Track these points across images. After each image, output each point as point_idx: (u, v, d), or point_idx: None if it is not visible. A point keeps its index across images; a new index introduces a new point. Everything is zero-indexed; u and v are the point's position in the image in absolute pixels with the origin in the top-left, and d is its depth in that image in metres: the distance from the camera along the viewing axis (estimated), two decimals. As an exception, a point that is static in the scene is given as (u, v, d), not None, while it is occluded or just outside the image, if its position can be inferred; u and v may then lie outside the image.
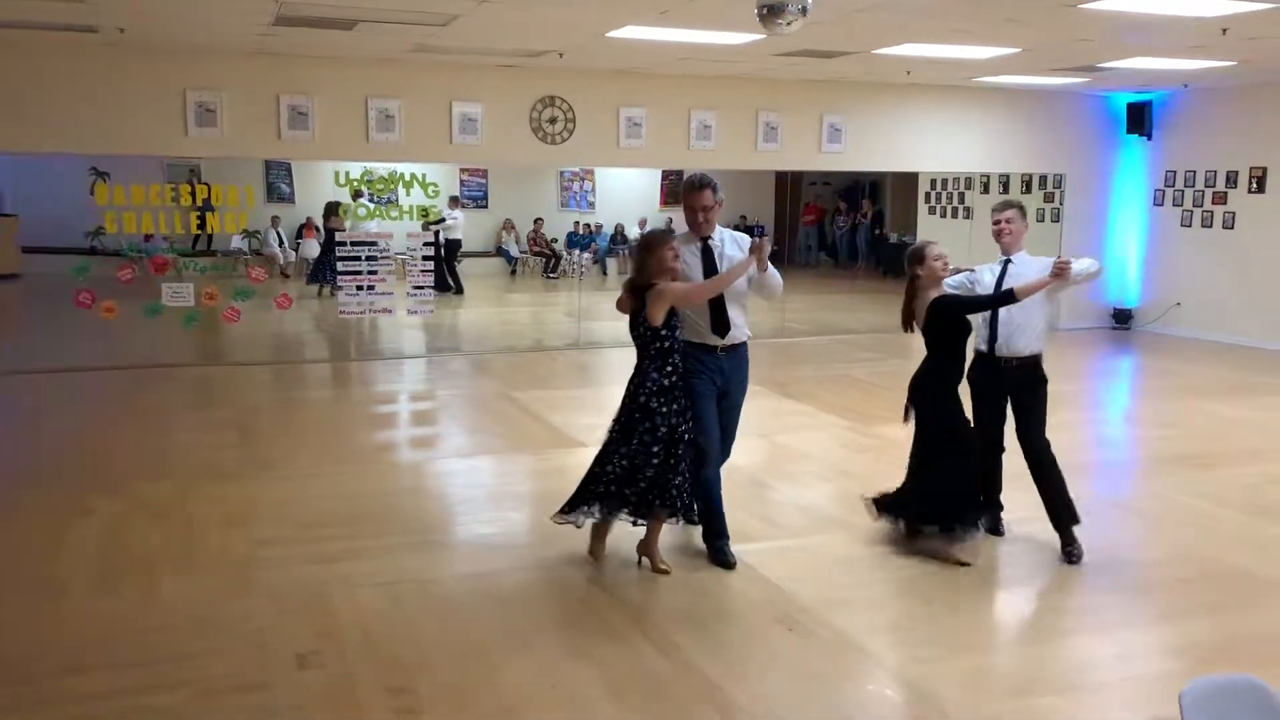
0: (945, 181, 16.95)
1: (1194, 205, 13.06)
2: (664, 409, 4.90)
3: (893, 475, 6.53)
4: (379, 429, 8.59)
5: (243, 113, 10.06)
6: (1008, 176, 14.99)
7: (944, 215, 17.00)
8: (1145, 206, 13.65)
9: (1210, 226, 12.86)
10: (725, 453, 5.35)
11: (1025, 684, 4.00)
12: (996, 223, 5.35)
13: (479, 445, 7.79)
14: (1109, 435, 8.67)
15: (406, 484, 6.74)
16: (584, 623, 4.55)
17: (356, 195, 12.05)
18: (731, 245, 5.21)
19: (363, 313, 11.03)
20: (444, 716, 3.74)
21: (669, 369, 4.92)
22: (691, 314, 5.10)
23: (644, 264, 4.91)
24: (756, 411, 8.79)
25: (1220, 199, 12.74)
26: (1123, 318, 13.82)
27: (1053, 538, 5.37)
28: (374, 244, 10.84)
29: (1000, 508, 5.65)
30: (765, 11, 5.56)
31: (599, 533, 5.23)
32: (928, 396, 5.30)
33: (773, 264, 5.17)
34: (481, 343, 12.75)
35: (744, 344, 5.27)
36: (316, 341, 13.13)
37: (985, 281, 5.35)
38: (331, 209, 15.82)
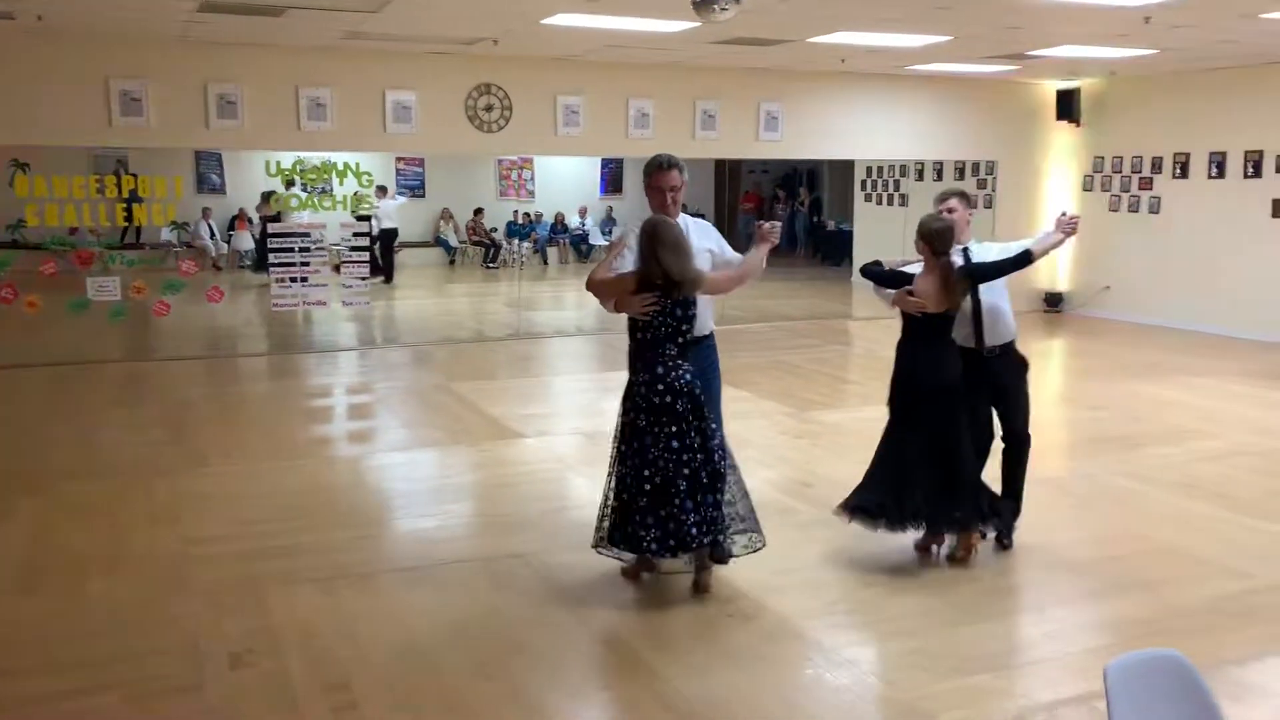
0: (881, 169, 17.13)
1: (1121, 190, 13.35)
2: None
3: (830, 460, 6.59)
4: (315, 423, 8.47)
5: (169, 102, 9.83)
6: (941, 164, 15.20)
7: (880, 203, 17.18)
8: (1075, 191, 13.92)
9: (1137, 211, 13.16)
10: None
11: (961, 664, 4.06)
12: (939, 212, 5.23)
13: (418, 438, 7.71)
14: (1040, 416, 8.81)
15: (343, 479, 6.65)
16: (524, 615, 4.52)
17: (289, 184, 11.86)
18: (696, 232, 4.97)
19: (296, 305, 10.86)
20: (382, 713, 3.69)
21: None
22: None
23: (688, 256, 4.55)
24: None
25: (1146, 184, 13.03)
26: (1054, 301, 14.10)
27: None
28: (307, 235, 10.68)
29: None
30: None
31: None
32: (952, 374, 5.01)
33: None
34: (420, 334, 12.63)
35: (710, 335, 5.03)
36: (250, 335, 12.90)
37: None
38: (265, 198, 15.62)
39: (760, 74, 11.99)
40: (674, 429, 4.50)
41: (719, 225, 5.10)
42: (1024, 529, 5.44)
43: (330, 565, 5.03)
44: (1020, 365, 5.30)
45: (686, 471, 4.49)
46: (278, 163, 10.62)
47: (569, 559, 5.13)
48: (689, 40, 9.60)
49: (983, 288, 5.07)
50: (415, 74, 10.66)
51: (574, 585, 4.86)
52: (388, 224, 17.09)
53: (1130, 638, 4.25)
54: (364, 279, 11.09)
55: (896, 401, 5.12)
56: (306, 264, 10.59)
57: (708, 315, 4.97)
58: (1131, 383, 9.52)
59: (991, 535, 5.23)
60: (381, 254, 16.84)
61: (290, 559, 5.12)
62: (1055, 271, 14.12)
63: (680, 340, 4.58)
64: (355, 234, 11.14)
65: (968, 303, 5.05)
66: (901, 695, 3.81)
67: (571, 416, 8.54)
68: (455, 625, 4.41)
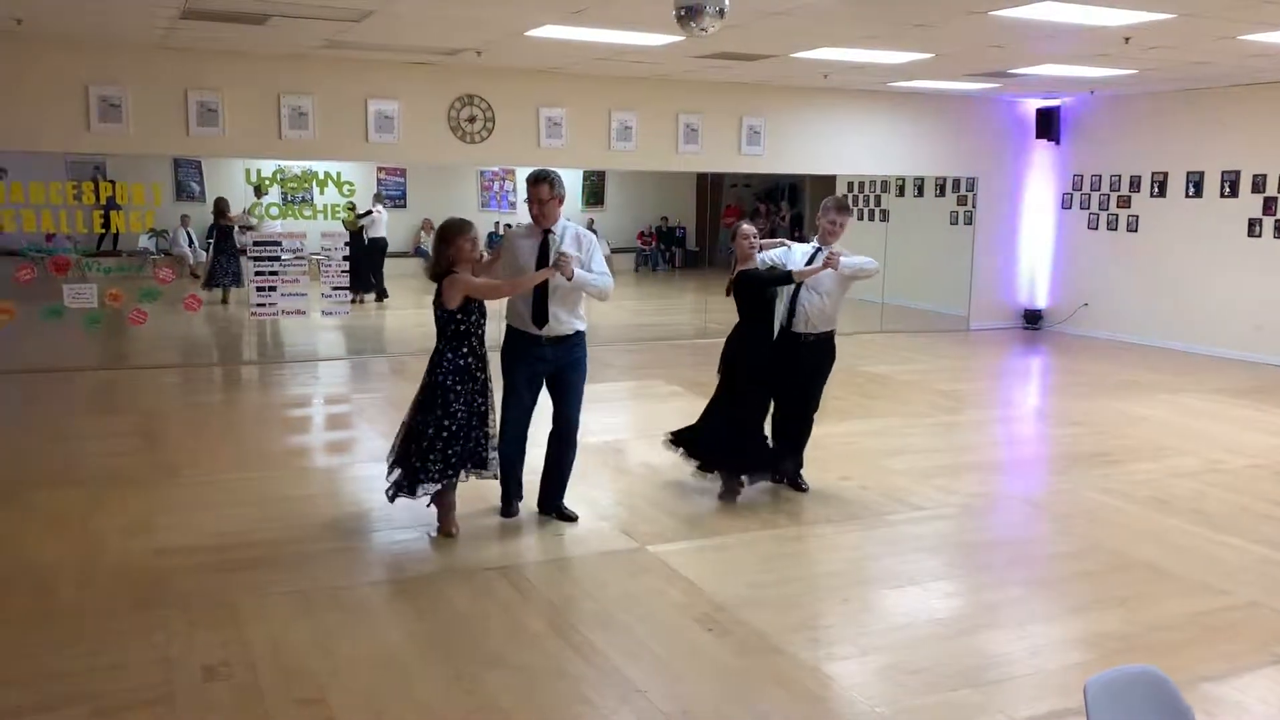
0: (862, 185, 17.19)
1: (1100, 208, 13.45)
2: (459, 387, 5.27)
3: (810, 474, 6.59)
4: (292, 433, 8.40)
5: (149, 108, 9.77)
6: (922, 180, 15.27)
7: (861, 218, 17.23)
8: (1054, 209, 14.02)
9: (1115, 229, 13.26)
10: (568, 425, 5.74)
11: (940, 679, 4.06)
12: (833, 223, 6.24)
13: (396, 449, 7.64)
14: (1019, 432, 8.87)
15: (320, 489, 6.59)
16: (501, 627, 4.49)
17: (260, 193, 11.80)
18: (571, 241, 5.48)
19: (275, 314, 10.79)
20: (356, 727, 3.65)
21: (464, 350, 5.28)
22: (518, 302, 5.51)
23: (440, 255, 5.27)
24: (677, 412, 8.81)
25: (1124, 203, 13.14)
26: (1033, 318, 14.18)
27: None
28: (278, 244, 10.63)
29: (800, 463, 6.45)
30: (683, 13, 5.58)
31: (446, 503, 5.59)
32: (738, 353, 6.11)
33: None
34: (400, 344, 12.57)
35: (574, 334, 5.58)
36: (227, 344, 12.81)
37: (795, 259, 6.20)
38: (219, 206, 15.55)
39: (743, 88, 12.03)
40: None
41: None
42: (1003, 544, 5.46)
43: (305, 577, 4.98)
44: (829, 355, 6.37)
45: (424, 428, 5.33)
46: (258, 171, 10.57)
47: (547, 571, 5.11)
48: (672, 54, 9.62)
49: (805, 287, 6.12)
50: (398, 84, 10.64)
51: (552, 598, 4.83)
52: (377, 233, 16.70)
53: (1109, 653, 4.26)
54: (338, 289, 11.03)
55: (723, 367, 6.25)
56: (275, 273, 10.53)
57: (567, 318, 5.51)
58: (1108, 399, 9.57)
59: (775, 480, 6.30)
60: (373, 267, 16.53)
61: (264, 570, 5.06)
62: (1034, 289, 14.22)
63: (437, 327, 5.33)
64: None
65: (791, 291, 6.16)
66: (880, 710, 3.80)
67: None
68: (432, 638, 4.37)
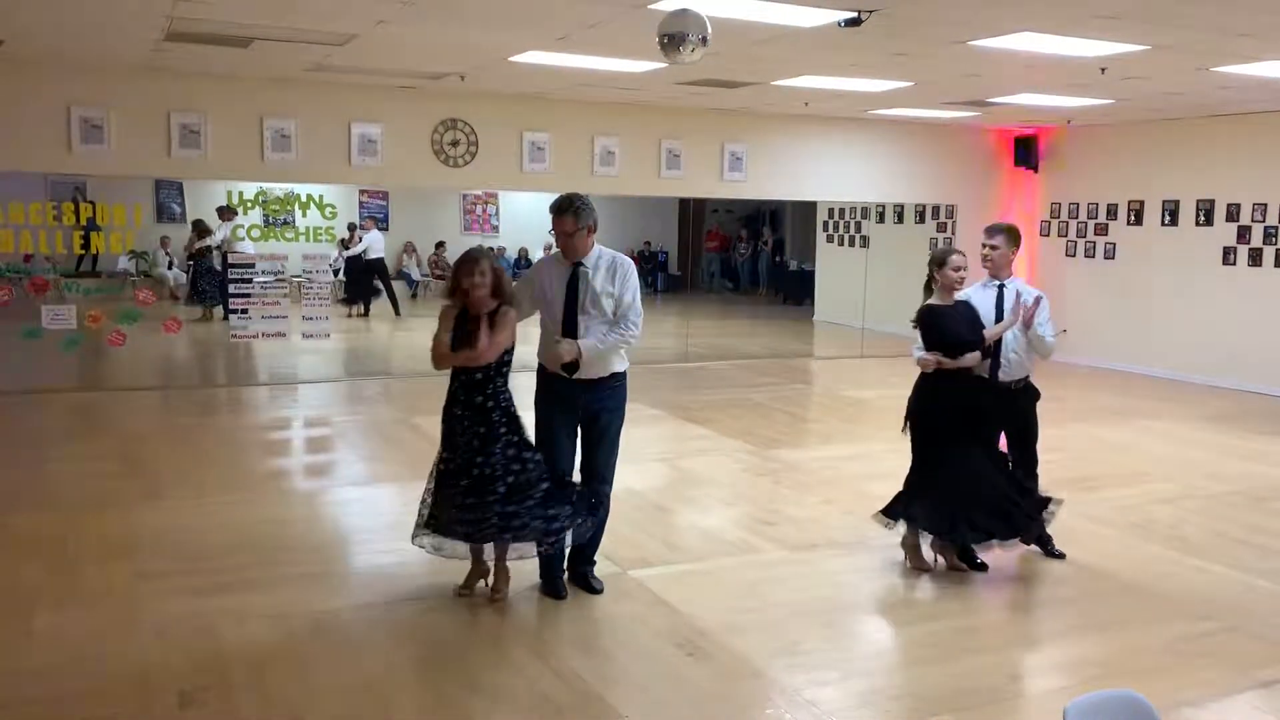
0: (843, 211, 17.33)
1: (1078, 236, 13.59)
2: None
3: (792, 499, 6.61)
4: (272, 456, 8.35)
5: (131, 130, 9.75)
6: (903, 207, 15.40)
7: (842, 244, 17.37)
8: (1033, 236, 14.15)
9: (1093, 257, 13.40)
10: (597, 478, 5.08)
11: (920, 704, 4.06)
12: (982, 245, 6.03)
13: (377, 473, 7.62)
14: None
15: (300, 513, 6.55)
16: (482, 653, 4.47)
17: (229, 215, 11.80)
18: (605, 276, 4.96)
19: (255, 336, 10.76)
20: (335, 753, 3.62)
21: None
22: (548, 339, 4.99)
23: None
24: (659, 436, 8.83)
25: (1102, 230, 13.29)
26: (1012, 344, 14.25)
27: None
28: (251, 265, 10.63)
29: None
30: (666, 41, 5.63)
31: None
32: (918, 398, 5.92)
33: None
34: (382, 367, 12.53)
35: (610, 376, 5.00)
36: (207, 366, 12.74)
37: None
38: (197, 229, 15.69)
39: (725, 115, 12.12)
40: None
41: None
42: (985, 570, 5.48)
43: (284, 601, 4.95)
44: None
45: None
46: (240, 193, 10.57)
47: (529, 597, 5.08)
48: (656, 80, 9.69)
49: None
50: (381, 107, 10.66)
51: (534, 623, 4.81)
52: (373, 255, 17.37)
53: (1089, 678, 4.27)
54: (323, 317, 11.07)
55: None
56: (245, 295, 10.54)
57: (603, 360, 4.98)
58: (1087, 425, 9.63)
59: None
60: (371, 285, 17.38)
61: (244, 594, 5.02)
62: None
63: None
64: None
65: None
66: (862, 736, 3.80)
67: (533, 452, 8.48)
68: (412, 664, 4.34)
